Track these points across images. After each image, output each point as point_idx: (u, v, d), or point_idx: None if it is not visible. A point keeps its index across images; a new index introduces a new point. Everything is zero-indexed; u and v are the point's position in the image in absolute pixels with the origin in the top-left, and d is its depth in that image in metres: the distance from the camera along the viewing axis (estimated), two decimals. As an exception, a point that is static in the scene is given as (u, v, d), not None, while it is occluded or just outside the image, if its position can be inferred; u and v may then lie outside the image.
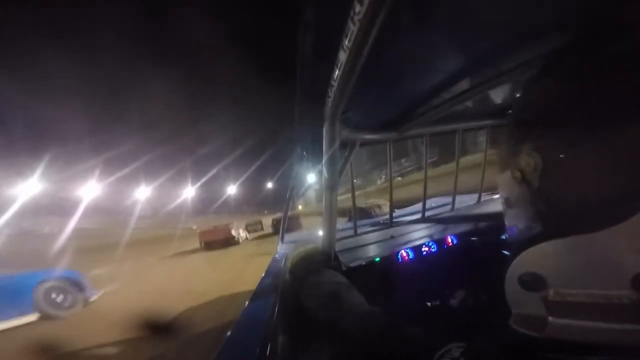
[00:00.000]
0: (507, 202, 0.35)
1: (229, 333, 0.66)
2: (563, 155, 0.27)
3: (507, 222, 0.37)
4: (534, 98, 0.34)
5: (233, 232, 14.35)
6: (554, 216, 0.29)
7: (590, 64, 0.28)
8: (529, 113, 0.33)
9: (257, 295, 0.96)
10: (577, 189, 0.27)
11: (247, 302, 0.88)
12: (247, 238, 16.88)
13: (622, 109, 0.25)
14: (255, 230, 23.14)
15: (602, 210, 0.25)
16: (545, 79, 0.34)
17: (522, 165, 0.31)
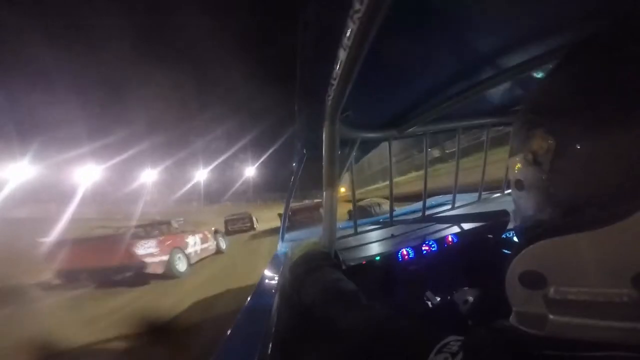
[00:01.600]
0: (518, 185, 0.36)
1: (229, 332, 0.67)
2: (576, 141, 0.28)
3: (516, 205, 0.38)
4: (553, 86, 0.35)
5: (139, 251, 5.06)
6: (562, 200, 0.30)
7: (613, 58, 0.29)
8: (546, 99, 0.34)
9: (257, 293, 0.96)
10: (586, 176, 0.28)
11: (247, 301, 0.88)
12: (218, 250, 7.80)
13: (636, 107, 0.25)
14: (242, 231, 14.17)
15: (604, 206, 0.25)
16: (566, 68, 0.35)
17: (535, 147, 0.32)
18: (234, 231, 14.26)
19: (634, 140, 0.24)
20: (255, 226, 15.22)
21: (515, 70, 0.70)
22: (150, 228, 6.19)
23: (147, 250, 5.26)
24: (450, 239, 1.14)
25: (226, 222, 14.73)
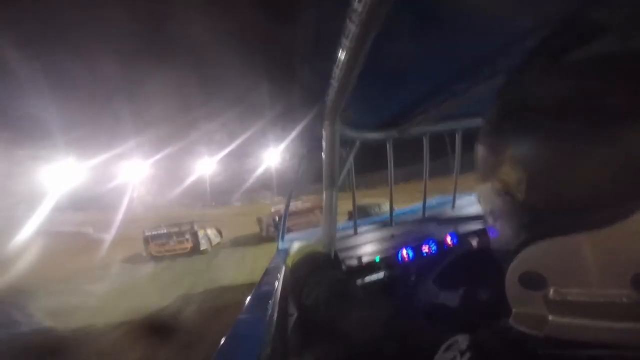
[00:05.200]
0: (490, 214, 0.35)
1: (228, 332, 0.67)
2: (547, 165, 0.27)
3: (492, 234, 0.36)
4: (509, 105, 0.33)
5: None
6: (540, 226, 0.29)
7: (564, 66, 0.28)
8: (505, 121, 0.32)
9: (257, 294, 0.96)
10: (560, 200, 0.27)
11: (247, 301, 0.88)
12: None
13: (600, 112, 0.25)
14: (177, 254, 8.48)
15: (597, 212, 0.25)
16: (519, 84, 0.33)
17: (504, 177, 0.30)
18: (160, 254, 8.55)
19: (603, 152, 0.24)
20: (205, 246, 9.01)
21: (515, 70, 0.70)
22: None
23: None
24: (450, 239, 1.14)
25: (146, 240, 8.86)
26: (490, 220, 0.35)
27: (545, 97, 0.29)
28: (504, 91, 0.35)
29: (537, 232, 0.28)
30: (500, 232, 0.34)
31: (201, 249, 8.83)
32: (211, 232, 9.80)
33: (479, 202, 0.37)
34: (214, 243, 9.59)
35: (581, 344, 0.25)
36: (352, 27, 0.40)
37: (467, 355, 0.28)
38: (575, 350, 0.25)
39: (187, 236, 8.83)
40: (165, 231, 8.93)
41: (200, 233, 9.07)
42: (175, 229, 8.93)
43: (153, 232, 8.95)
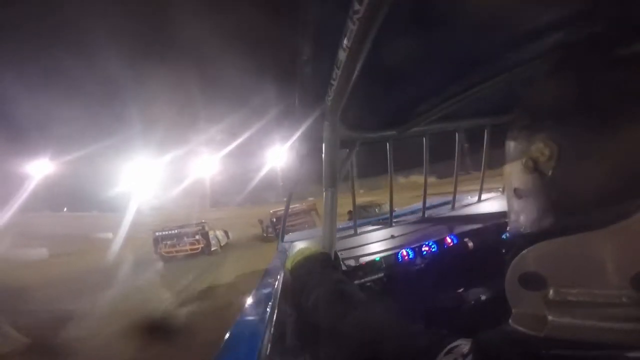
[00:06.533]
0: (517, 193, 0.36)
1: (229, 333, 0.66)
2: (578, 146, 0.29)
3: (514, 214, 0.37)
4: (550, 90, 0.35)
5: None
6: (565, 205, 0.30)
7: (609, 59, 0.29)
8: (544, 103, 0.34)
9: (257, 295, 0.96)
10: (588, 180, 0.28)
11: (247, 302, 0.88)
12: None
13: (633, 109, 0.25)
14: (188, 254, 8.71)
15: (604, 208, 0.25)
16: (562, 72, 0.35)
17: (536, 154, 0.32)
18: (170, 255, 8.60)
19: (632, 141, 0.24)
20: (215, 247, 9.12)
21: (515, 70, 0.69)
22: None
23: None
24: (450, 240, 1.14)
25: (156, 241, 8.81)
26: (515, 198, 0.36)
27: (583, 86, 0.30)
28: (545, 78, 0.37)
29: (556, 217, 0.30)
30: (524, 210, 0.35)
31: (212, 249, 8.99)
32: (219, 233, 10.00)
33: (504, 181, 0.38)
34: (222, 244, 9.77)
35: (582, 344, 0.25)
36: (352, 27, 0.40)
37: (469, 358, 0.28)
38: (576, 350, 0.25)
39: (198, 237, 8.94)
40: (175, 232, 9.01)
41: (210, 234, 9.21)
42: (186, 230, 9.01)
43: (163, 233, 9.02)
